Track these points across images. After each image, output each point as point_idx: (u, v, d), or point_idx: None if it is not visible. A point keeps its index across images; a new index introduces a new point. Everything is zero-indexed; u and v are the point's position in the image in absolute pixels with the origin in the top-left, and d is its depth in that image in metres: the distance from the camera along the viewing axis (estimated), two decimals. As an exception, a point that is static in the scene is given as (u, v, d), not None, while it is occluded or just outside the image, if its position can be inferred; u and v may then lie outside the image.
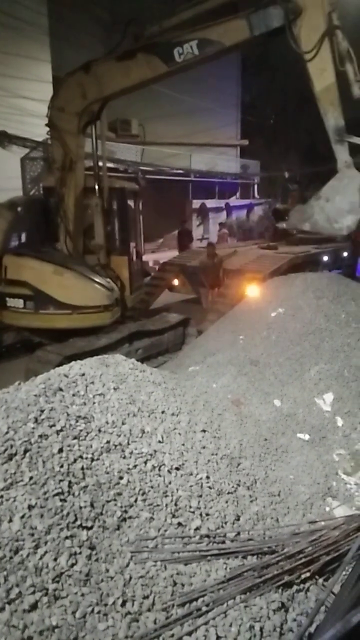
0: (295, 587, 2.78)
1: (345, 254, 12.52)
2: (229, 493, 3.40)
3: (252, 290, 7.74)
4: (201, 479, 3.36)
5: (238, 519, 3.22)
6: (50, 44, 13.77)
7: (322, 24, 5.28)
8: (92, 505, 2.78)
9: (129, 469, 3.14)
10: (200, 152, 21.04)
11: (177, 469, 3.35)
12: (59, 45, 14.19)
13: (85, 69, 6.34)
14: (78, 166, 6.97)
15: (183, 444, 3.63)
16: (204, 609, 2.49)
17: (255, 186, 26.07)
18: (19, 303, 6.56)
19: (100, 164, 7.64)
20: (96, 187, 7.39)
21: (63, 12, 15.00)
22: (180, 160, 19.83)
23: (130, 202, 8.48)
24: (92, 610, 2.32)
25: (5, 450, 2.82)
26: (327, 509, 3.67)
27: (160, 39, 5.94)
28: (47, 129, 7.02)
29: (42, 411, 3.20)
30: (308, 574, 2.83)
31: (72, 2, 16.31)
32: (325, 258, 11.46)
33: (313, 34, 5.32)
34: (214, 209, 21.38)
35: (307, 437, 4.48)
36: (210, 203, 20.94)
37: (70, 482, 2.83)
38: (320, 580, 2.87)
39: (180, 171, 19.77)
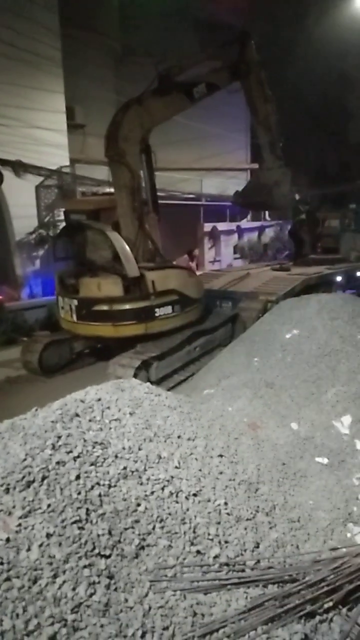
0: (318, 618, 2.71)
1: (358, 273, 12.50)
2: (247, 519, 3.34)
3: (266, 312, 7.74)
4: (219, 505, 3.32)
5: (257, 547, 3.16)
6: (63, 76, 14.18)
7: (261, 78, 9.12)
8: (110, 533, 2.75)
9: (146, 495, 3.12)
10: (210, 176, 21.31)
11: (194, 495, 3.31)
12: (72, 77, 14.61)
13: (139, 102, 7.47)
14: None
15: (200, 470, 3.60)
16: (225, 640, 2.44)
17: (266, 208, 26.21)
18: (168, 310, 7.62)
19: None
20: (151, 204, 8.72)
21: (76, 45, 15.45)
22: (191, 185, 20.09)
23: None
24: (112, 642, 2.28)
25: (24, 477, 2.82)
26: (349, 535, 3.59)
27: (182, 78, 7.96)
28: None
29: (59, 437, 3.20)
30: (331, 604, 2.76)
31: (84, 35, 16.83)
32: (339, 278, 11.45)
33: (256, 84, 9.15)
34: (226, 232, 21.53)
35: (325, 460, 4.41)
36: (221, 226, 21.08)
37: (87, 509, 2.81)
38: (344, 610, 2.79)
39: (192, 196, 20.01)
